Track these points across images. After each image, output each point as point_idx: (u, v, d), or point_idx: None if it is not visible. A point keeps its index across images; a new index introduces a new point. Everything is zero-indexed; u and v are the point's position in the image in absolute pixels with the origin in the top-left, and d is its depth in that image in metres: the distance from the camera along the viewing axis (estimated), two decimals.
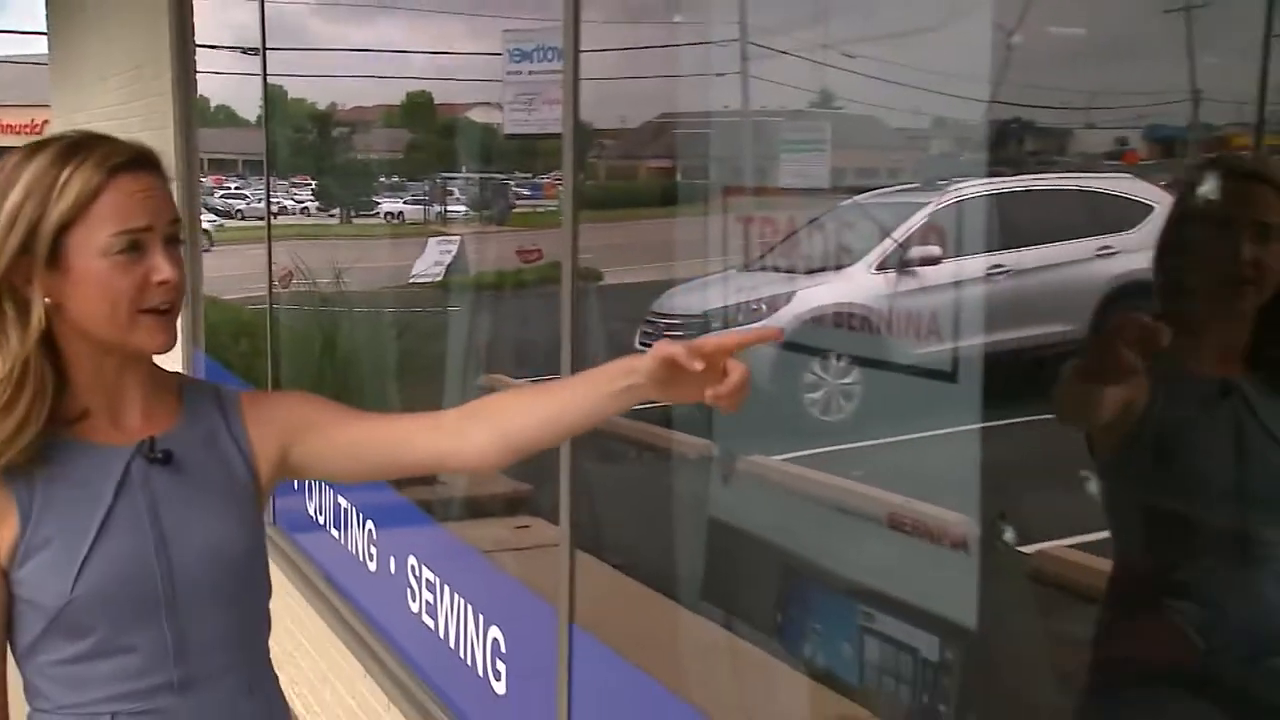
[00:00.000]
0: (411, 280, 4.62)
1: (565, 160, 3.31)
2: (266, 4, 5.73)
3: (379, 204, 5.56)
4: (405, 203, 5.28)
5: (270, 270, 6.21)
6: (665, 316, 3.40)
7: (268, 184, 6.13)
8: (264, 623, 2.01)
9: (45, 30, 12.34)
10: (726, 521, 3.04)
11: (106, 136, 1.83)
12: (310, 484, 5.30)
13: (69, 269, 1.74)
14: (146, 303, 1.76)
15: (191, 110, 7.29)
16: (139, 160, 1.78)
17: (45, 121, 14.53)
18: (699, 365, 1.67)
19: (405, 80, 4.83)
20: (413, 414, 2.02)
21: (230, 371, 6.78)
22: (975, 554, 2.28)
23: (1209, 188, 1.99)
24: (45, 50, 12.99)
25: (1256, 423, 1.95)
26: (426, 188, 5.02)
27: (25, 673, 1.85)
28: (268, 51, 5.84)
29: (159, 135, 7.35)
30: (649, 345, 3.38)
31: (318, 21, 5.34)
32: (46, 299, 1.75)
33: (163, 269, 1.75)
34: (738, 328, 1.79)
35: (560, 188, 3.63)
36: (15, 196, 1.73)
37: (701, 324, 3.24)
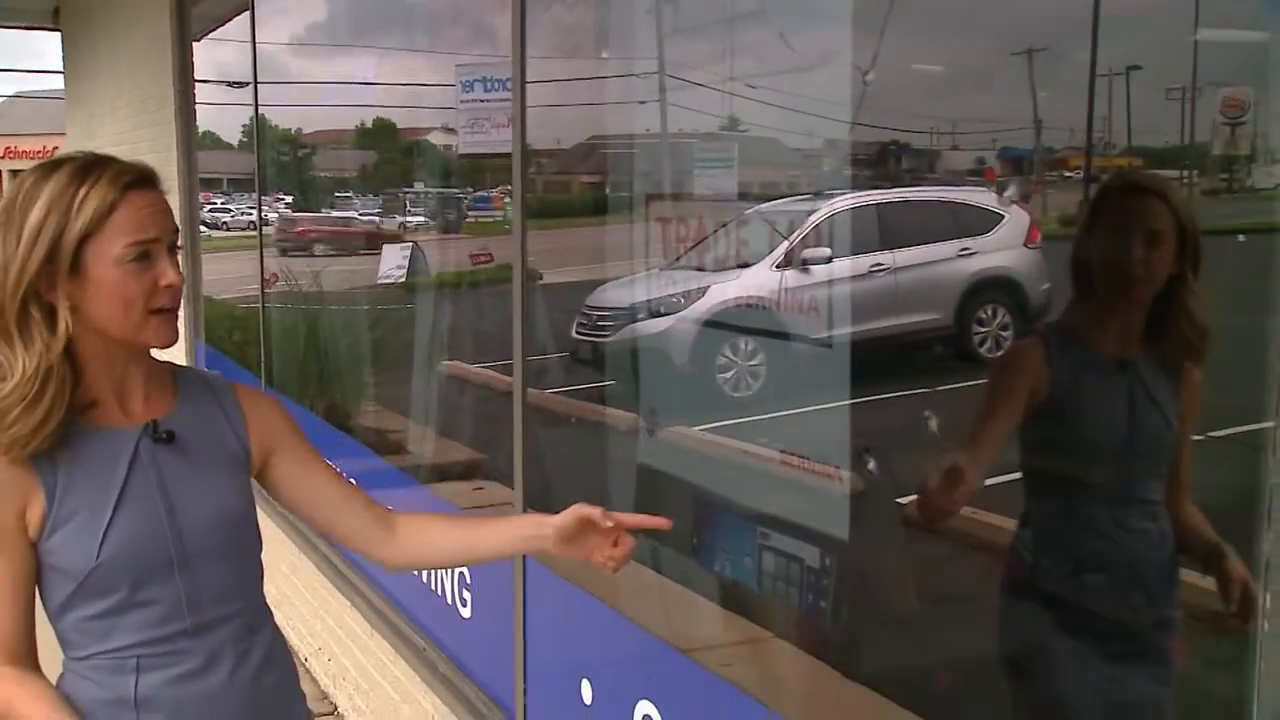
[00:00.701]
0: (378, 281, 4.62)
1: (515, 175, 3.34)
2: (256, 45, 5.72)
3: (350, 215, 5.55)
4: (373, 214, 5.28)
5: (262, 273, 6.19)
6: (597, 309, 3.43)
7: (259, 199, 6.09)
8: (259, 572, 2.04)
9: (60, 69, 12.17)
10: (653, 468, 3.08)
11: (112, 157, 1.83)
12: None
13: (87, 276, 1.74)
14: (155, 304, 1.78)
15: (192, 136, 7.24)
16: (145, 179, 1.80)
17: (56, 148, 14.31)
18: (610, 524, 1.84)
19: (376, 109, 4.82)
20: (367, 499, 2.06)
21: (226, 358, 6.75)
22: (846, 481, 2.39)
23: (1111, 200, 2.09)
24: (59, 85, 12.79)
25: (1145, 393, 2.06)
26: (384, 201, 5.02)
27: (58, 628, 1.88)
28: (259, 85, 5.83)
29: (163, 157, 7.30)
30: (584, 333, 3.43)
31: (299, 58, 5.32)
32: (68, 304, 1.75)
33: (169, 274, 1.78)
34: (631, 515, 1.86)
35: (508, 200, 3.66)
36: (38, 213, 1.72)
37: (629, 314, 3.27)
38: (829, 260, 2.86)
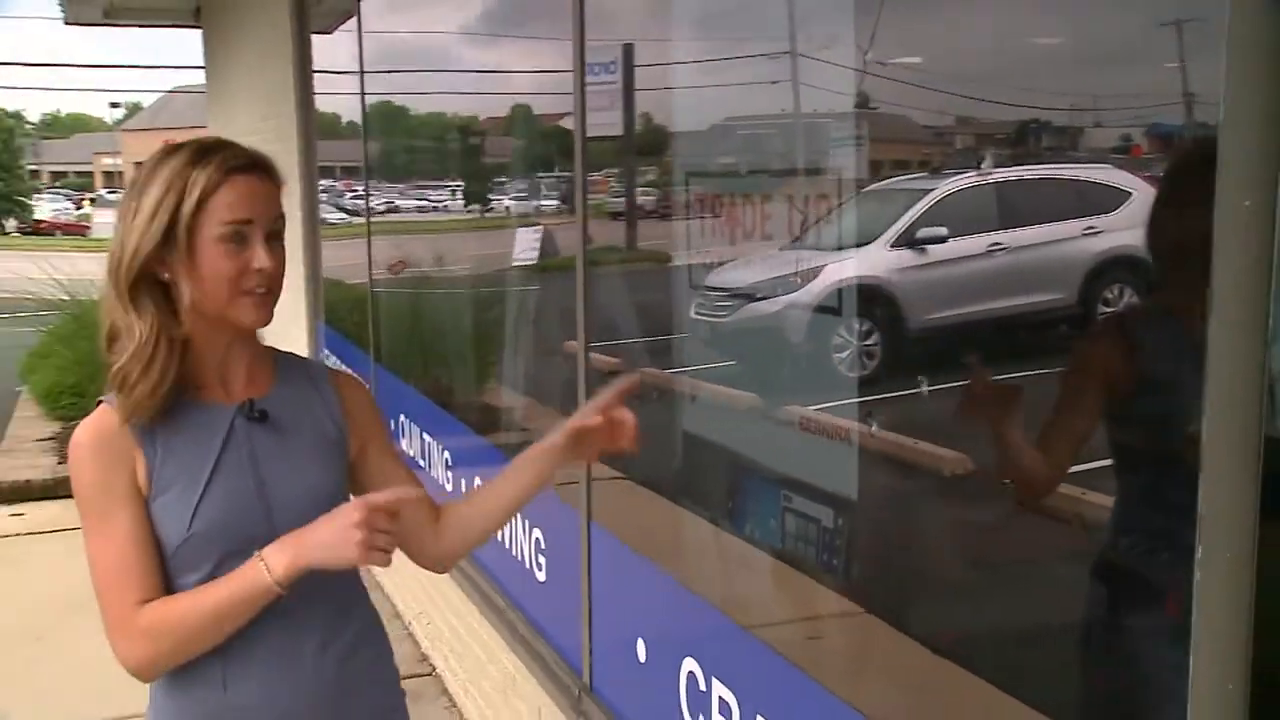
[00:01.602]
0: (514, 264, 4.67)
1: (576, 162, 3.37)
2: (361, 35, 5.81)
3: (498, 199, 5.57)
4: (513, 198, 5.30)
5: (370, 258, 6.28)
6: (716, 289, 3.39)
7: (366, 185, 6.15)
8: None
9: (203, 64, 12.51)
10: (699, 437, 3.26)
11: (228, 143, 1.89)
12: (400, 425, 5.51)
13: (192, 253, 1.80)
14: (246, 285, 1.81)
15: (312, 126, 7.39)
16: (252, 165, 1.84)
17: None
18: (598, 420, 1.95)
19: (510, 96, 4.83)
20: (431, 500, 2.10)
21: (345, 338, 6.87)
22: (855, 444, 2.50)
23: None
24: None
25: None
26: (527, 185, 5.04)
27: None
28: (367, 75, 5.92)
29: (285, 147, 7.53)
30: (703, 313, 3.40)
31: (454, 45, 5.37)
32: (176, 279, 1.82)
33: (261, 258, 1.81)
34: (611, 388, 2.03)
35: (611, 183, 3.66)
36: (156, 192, 1.79)
37: (747, 295, 3.24)
38: (944, 239, 2.79)
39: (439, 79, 5.61)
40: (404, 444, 5.52)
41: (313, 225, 7.47)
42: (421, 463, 5.29)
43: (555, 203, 4.48)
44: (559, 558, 3.80)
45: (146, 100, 62.90)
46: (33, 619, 5.74)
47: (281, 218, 1.88)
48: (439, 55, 5.53)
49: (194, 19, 12.10)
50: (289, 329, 7.96)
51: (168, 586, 1.87)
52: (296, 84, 7.34)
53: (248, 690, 1.88)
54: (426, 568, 2.13)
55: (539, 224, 4.64)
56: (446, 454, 4.99)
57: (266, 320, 1.88)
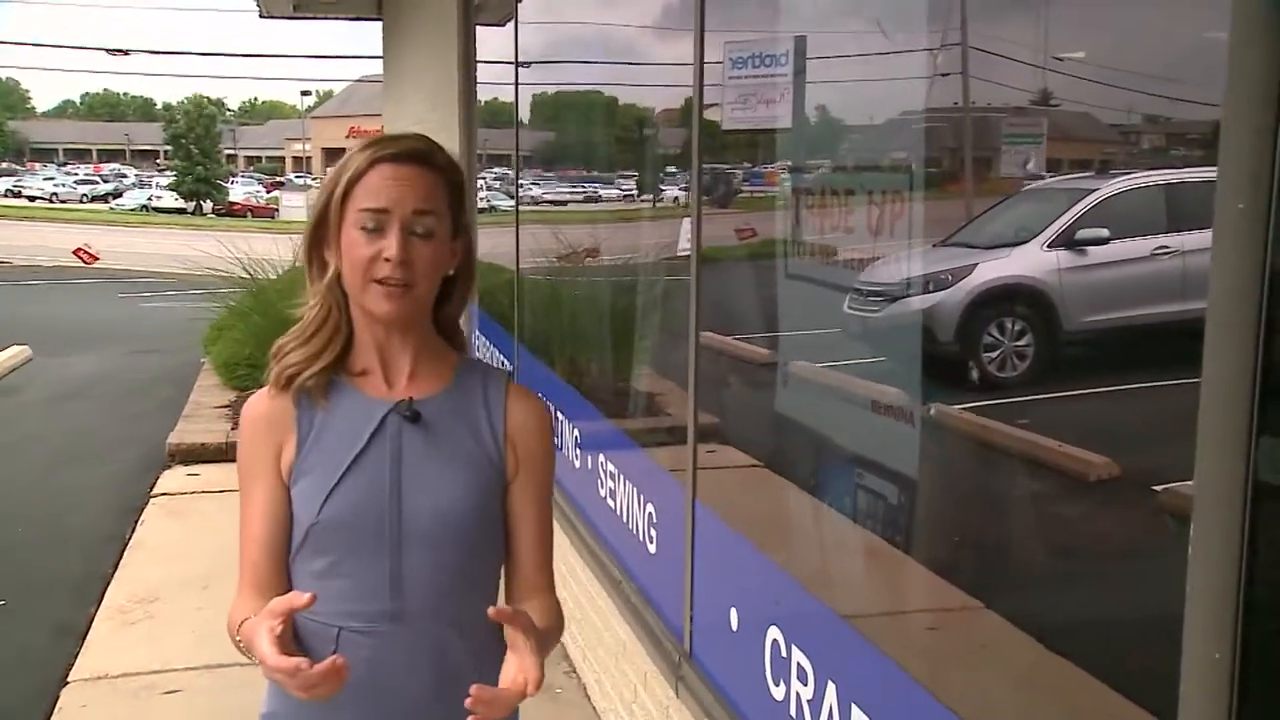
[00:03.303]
0: (679, 253, 4.67)
1: (693, 155, 3.29)
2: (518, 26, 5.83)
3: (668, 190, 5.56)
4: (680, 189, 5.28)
5: (517, 245, 6.32)
6: (869, 284, 3.33)
7: (516, 176, 6.14)
8: (483, 580, 1.94)
9: (381, 55, 12.81)
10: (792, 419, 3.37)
11: (401, 136, 1.87)
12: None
13: (341, 236, 1.80)
14: (376, 273, 1.78)
15: (473, 115, 7.54)
16: (405, 155, 1.80)
17: (379, 130, 15.16)
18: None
19: (663, 88, 4.81)
20: (538, 569, 1.98)
21: (493, 318, 6.99)
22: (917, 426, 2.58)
23: None
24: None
25: None
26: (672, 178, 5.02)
27: (291, 576, 1.89)
28: (522, 66, 5.95)
29: (448, 135, 7.73)
30: (855, 309, 3.35)
31: (598, 38, 5.37)
32: (334, 261, 1.84)
33: (391, 248, 1.76)
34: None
35: (784, 175, 3.60)
36: (328, 176, 1.83)
37: (900, 290, 3.17)
38: (1106, 241, 2.69)
39: (592, 71, 5.62)
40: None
41: (470, 214, 7.55)
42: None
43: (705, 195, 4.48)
44: (667, 530, 3.89)
45: (336, 89, 64.96)
46: (201, 568, 6.01)
47: (432, 214, 1.82)
48: (596, 47, 5.55)
49: (376, 11, 12.29)
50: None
51: (299, 568, 1.86)
52: (460, 76, 7.50)
53: (347, 692, 1.73)
54: None
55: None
56: (576, 432, 5.19)
57: (396, 314, 1.81)
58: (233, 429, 8.13)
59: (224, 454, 7.86)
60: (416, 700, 1.85)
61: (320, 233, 1.83)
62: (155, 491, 7.71)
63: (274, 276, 10.50)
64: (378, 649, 1.83)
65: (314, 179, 47.75)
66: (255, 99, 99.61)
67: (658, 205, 4.94)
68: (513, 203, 6.78)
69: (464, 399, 1.91)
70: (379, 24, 12.50)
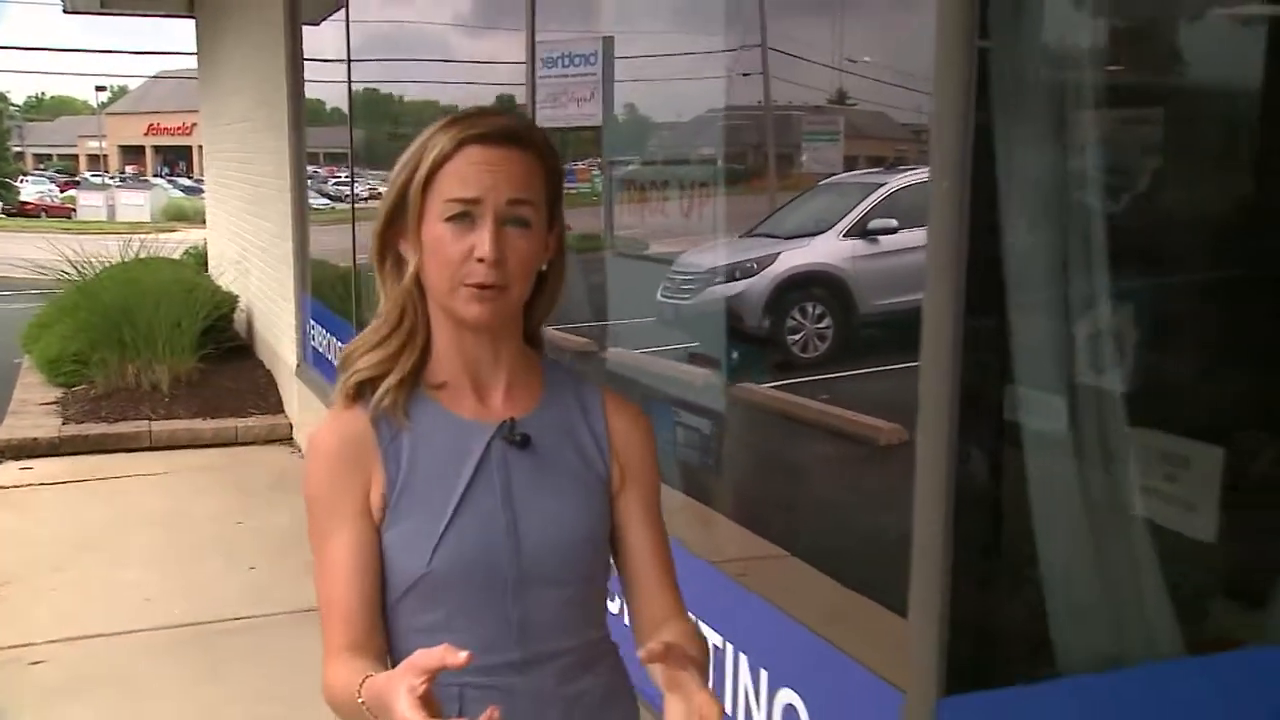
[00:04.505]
0: None
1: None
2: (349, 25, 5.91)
3: None
4: None
5: (354, 239, 6.44)
6: (681, 273, 3.50)
7: (351, 172, 6.06)
8: (599, 610, 1.71)
9: (194, 52, 12.58)
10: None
11: (490, 111, 1.59)
12: None
13: (422, 230, 1.53)
14: (466, 276, 1.51)
15: (301, 115, 7.44)
16: (494, 135, 1.52)
17: (194, 125, 14.72)
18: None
19: (475, 85, 4.89)
20: (662, 588, 1.68)
21: (327, 307, 7.04)
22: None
23: None
24: (193, 66, 13.20)
25: None
26: None
27: (389, 628, 1.62)
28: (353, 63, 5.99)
29: (276, 134, 7.65)
30: (669, 296, 3.52)
31: (410, 38, 5.43)
32: (413, 256, 1.55)
33: (483, 245, 1.49)
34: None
35: (595, 172, 3.75)
36: (400, 161, 1.56)
37: (707, 278, 3.35)
38: (894, 230, 2.90)
39: (420, 69, 5.69)
40: None
41: (301, 208, 7.61)
42: None
43: None
44: None
45: (132, 85, 62.54)
46: (49, 552, 5.95)
47: (529, 203, 1.53)
48: (421, 45, 5.60)
49: (188, 9, 12.18)
50: (277, 300, 8.19)
51: (400, 622, 1.59)
52: (288, 74, 7.43)
53: None
54: None
55: None
56: None
57: (489, 319, 1.54)
58: (64, 424, 8.07)
59: (56, 449, 7.88)
60: None
61: (396, 224, 1.56)
62: None
63: (99, 272, 10.25)
64: (505, 704, 1.48)
65: (111, 177, 45.89)
66: (43, 94, 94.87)
67: None
68: (329, 201, 6.85)
69: (562, 412, 1.67)
70: (190, 21, 12.35)
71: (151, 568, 5.40)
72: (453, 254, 1.50)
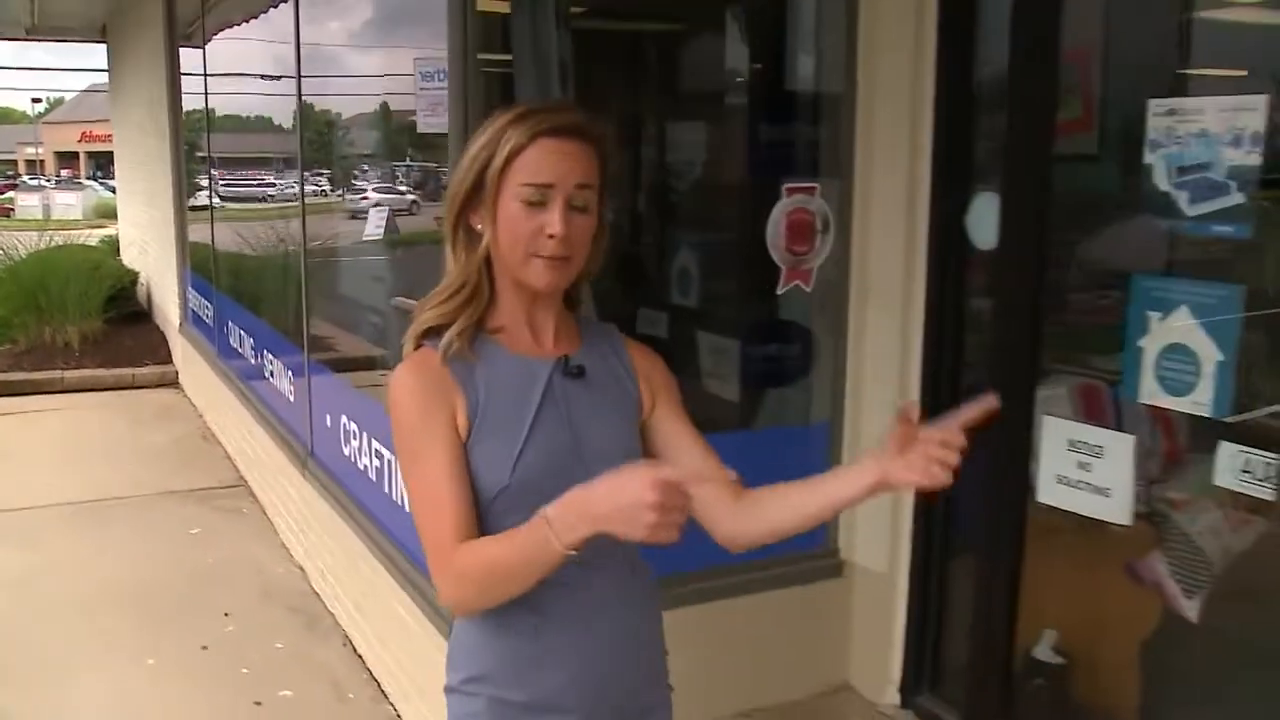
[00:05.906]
0: (365, 239, 4.80)
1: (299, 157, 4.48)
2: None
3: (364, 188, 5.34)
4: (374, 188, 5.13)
5: (212, 231, 7.38)
6: None
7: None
8: None
9: (106, 69, 13.43)
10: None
11: (554, 107, 1.82)
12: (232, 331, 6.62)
13: (495, 208, 1.70)
14: (537, 249, 1.68)
15: (179, 123, 8.20)
16: (565, 129, 1.69)
17: (109, 134, 15.62)
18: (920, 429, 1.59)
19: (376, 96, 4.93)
20: (721, 465, 1.83)
21: (201, 278, 7.82)
22: None
23: None
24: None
25: None
26: (380, 174, 5.04)
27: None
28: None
29: (161, 139, 8.50)
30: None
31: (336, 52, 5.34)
32: (485, 230, 1.72)
33: (554, 224, 1.66)
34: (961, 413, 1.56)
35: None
36: (475, 146, 1.72)
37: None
38: None
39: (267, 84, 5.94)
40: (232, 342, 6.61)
41: (181, 201, 8.34)
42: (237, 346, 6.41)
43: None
44: (297, 383, 5.11)
45: (67, 97, 63.07)
46: None
47: (591, 188, 1.70)
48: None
49: (102, 35, 13.05)
50: (166, 274, 9.26)
51: (485, 528, 1.71)
52: (168, 90, 8.22)
53: (558, 639, 1.75)
54: (717, 541, 1.84)
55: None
56: (250, 340, 6.18)
57: (556, 286, 1.73)
58: None
59: None
60: (614, 644, 1.81)
61: (472, 201, 1.72)
62: None
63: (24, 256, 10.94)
64: (573, 598, 1.76)
65: (47, 180, 46.37)
66: None
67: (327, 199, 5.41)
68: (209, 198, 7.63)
69: (599, 351, 1.86)
70: (103, 45, 13.23)
71: (57, 468, 6.53)
72: (527, 230, 1.67)
